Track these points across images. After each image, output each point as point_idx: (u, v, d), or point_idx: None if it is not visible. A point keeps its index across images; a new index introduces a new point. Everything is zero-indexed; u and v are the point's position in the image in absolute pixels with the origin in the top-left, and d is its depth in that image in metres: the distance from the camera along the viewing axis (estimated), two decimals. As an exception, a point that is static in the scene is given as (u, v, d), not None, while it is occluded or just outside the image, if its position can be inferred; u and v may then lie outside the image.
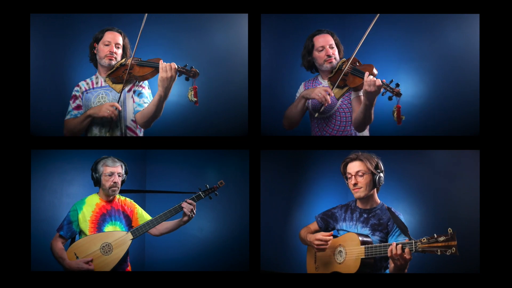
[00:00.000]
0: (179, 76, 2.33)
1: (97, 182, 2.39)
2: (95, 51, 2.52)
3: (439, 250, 1.89)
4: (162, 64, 2.27)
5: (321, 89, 2.43)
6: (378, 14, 2.31)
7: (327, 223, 2.38)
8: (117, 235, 2.31)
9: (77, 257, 2.26)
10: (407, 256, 1.96)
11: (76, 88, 2.54)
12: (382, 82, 2.23)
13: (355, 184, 2.22)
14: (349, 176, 2.25)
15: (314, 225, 2.41)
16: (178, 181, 3.12)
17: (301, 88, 2.62)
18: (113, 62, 2.49)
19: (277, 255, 2.80)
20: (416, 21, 2.90)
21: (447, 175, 2.72)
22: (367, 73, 2.26)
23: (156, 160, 3.24)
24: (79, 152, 2.70)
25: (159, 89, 2.31)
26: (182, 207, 2.35)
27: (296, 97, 2.59)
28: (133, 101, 2.49)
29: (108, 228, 2.35)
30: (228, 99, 2.48)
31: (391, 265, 2.07)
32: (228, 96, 2.49)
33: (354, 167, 2.24)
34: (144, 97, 2.50)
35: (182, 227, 2.42)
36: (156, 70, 2.39)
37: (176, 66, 2.28)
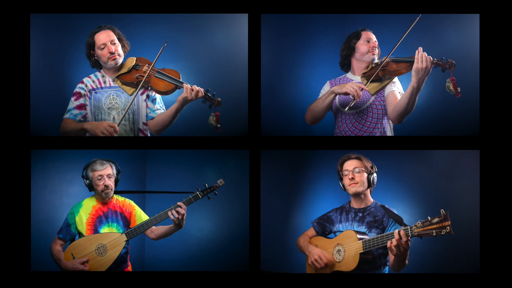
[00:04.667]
0: (203, 103, 2.38)
1: (91, 187, 2.40)
2: (95, 58, 2.48)
3: (434, 232, 1.92)
4: (188, 87, 2.32)
5: (354, 84, 2.38)
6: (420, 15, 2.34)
7: (324, 227, 2.38)
8: (112, 237, 2.32)
9: (73, 257, 2.28)
10: (404, 238, 1.97)
11: (81, 85, 2.48)
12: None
13: (351, 179, 2.26)
14: (345, 173, 2.29)
15: (311, 231, 2.42)
16: (178, 181, 3.12)
17: (327, 86, 2.60)
18: (120, 60, 2.46)
19: (277, 255, 2.80)
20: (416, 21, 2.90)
21: (447, 175, 2.72)
22: (420, 49, 2.21)
23: (156, 160, 3.23)
24: (79, 152, 2.70)
25: (177, 105, 2.37)
26: (179, 206, 2.29)
27: (321, 94, 2.57)
28: (147, 106, 2.50)
29: (104, 229, 2.36)
30: (228, 99, 2.47)
31: (391, 258, 2.08)
32: (228, 96, 2.49)
33: (351, 164, 2.29)
34: (157, 104, 2.53)
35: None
36: (177, 87, 2.41)
37: (203, 93, 2.34)
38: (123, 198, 2.48)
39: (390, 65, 2.42)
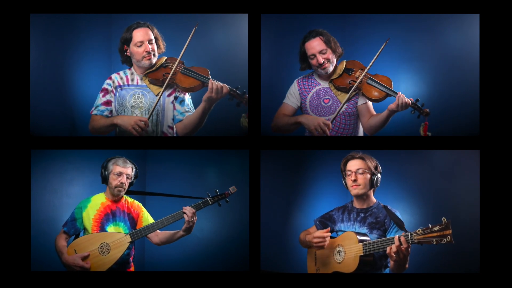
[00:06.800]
0: (229, 100, 2.30)
1: (105, 180, 2.39)
2: (127, 54, 2.44)
3: (434, 240, 1.89)
4: (213, 85, 2.23)
5: (321, 122, 2.37)
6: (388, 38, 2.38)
7: (326, 225, 2.38)
8: (116, 236, 2.31)
9: (76, 253, 2.28)
10: (404, 245, 1.96)
11: (108, 81, 2.47)
12: (411, 102, 2.33)
13: (354, 180, 2.24)
14: (348, 173, 2.26)
15: (313, 229, 2.42)
16: (178, 182, 3.12)
17: (294, 86, 2.59)
18: (154, 60, 2.42)
19: (277, 255, 2.80)
20: (416, 21, 2.90)
21: (447, 175, 2.72)
22: (400, 94, 2.31)
23: (156, 160, 3.23)
24: (79, 152, 2.70)
25: (204, 104, 2.29)
26: (184, 213, 2.25)
27: (289, 93, 2.59)
28: (174, 108, 2.45)
29: (111, 228, 2.35)
30: (227, 99, 2.47)
31: (391, 263, 2.08)
32: (227, 96, 2.49)
33: (355, 164, 2.26)
34: (186, 105, 2.47)
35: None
36: (203, 83, 2.35)
37: (228, 89, 2.26)
38: (132, 200, 2.48)
39: (363, 84, 2.45)
